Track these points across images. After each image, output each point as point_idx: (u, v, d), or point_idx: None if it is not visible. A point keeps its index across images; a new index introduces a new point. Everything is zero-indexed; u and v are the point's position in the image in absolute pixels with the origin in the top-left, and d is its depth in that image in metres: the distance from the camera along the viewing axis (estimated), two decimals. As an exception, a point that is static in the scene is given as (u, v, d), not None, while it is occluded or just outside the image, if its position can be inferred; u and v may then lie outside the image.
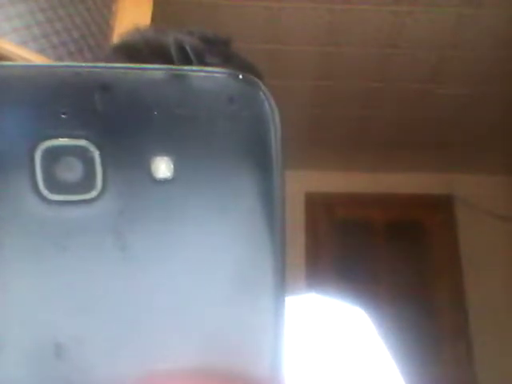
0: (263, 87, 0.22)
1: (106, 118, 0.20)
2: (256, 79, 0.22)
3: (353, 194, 2.76)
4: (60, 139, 0.20)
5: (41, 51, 1.09)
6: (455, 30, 1.86)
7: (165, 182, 0.21)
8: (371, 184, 2.75)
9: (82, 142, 0.20)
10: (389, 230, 2.78)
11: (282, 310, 0.21)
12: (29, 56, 1.06)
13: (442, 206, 2.79)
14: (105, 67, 0.21)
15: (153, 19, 1.30)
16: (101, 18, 1.24)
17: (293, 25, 1.86)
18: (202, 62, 0.41)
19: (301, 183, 2.70)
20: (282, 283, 0.21)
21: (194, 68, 0.21)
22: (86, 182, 0.20)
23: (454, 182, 2.79)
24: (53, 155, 0.20)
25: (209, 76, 0.21)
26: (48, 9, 1.13)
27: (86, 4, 1.22)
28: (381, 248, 2.75)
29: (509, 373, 2.42)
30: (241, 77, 0.21)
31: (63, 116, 0.20)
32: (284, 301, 0.22)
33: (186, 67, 0.21)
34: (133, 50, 0.42)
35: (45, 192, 0.20)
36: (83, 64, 0.21)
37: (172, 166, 0.21)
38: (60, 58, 1.12)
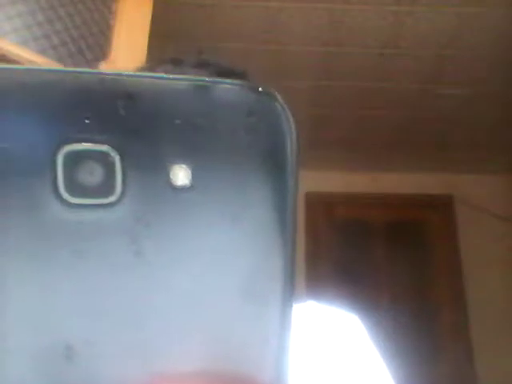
0: (281, 100, 0.22)
1: (128, 125, 0.21)
2: (274, 92, 0.22)
3: (353, 194, 2.76)
4: (82, 143, 0.21)
5: (41, 51, 1.09)
6: (455, 29, 1.86)
7: (183, 189, 0.21)
8: (371, 184, 2.75)
9: (104, 147, 0.21)
10: (389, 229, 2.78)
11: (289, 318, 0.22)
12: (29, 56, 1.06)
13: (442, 206, 2.79)
14: (129, 75, 0.21)
15: (153, 19, 1.30)
16: (101, 17, 1.24)
17: (293, 25, 1.86)
18: None
19: (301, 183, 2.67)
20: (291, 293, 0.22)
21: (216, 80, 0.22)
22: (106, 187, 0.21)
23: (454, 182, 2.79)
24: (74, 159, 0.21)
25: (229, 88, 0.22)
26: (48, 9, 1.13)
27: (86, 4, 1.22)
28: (381, 248, 2.75)
29: (509, 373, 2.42)
30: (260, 89, 0.22)
31: (86, 121, 0.21)
32: (291, 310, 0.22)
33: (207, 79, 0.22)
34: None
35: (65, 195, 0.21)
36: (108, 71, 0.22)
37: (190, 175, 0.21)
38: (60, 58, 1.13)
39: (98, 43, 1.22)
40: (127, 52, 1.23)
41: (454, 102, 2.28)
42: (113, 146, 0.21)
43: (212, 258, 0.21)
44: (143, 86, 0.21)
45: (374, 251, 2.75)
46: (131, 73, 0.22)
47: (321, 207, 2.79)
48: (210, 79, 0.22)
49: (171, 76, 0.22)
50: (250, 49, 1.98)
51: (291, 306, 0.22)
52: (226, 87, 0.22)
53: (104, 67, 1.18)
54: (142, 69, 0.43)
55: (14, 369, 0.20)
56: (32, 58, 1.06)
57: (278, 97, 0.22)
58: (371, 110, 2.37)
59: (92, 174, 0.21)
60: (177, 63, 0.45)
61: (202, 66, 0.45)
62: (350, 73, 2.11)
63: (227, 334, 0.21)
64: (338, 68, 2.08)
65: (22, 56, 1.04)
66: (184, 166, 0.21)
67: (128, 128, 0.21)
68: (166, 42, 1.90)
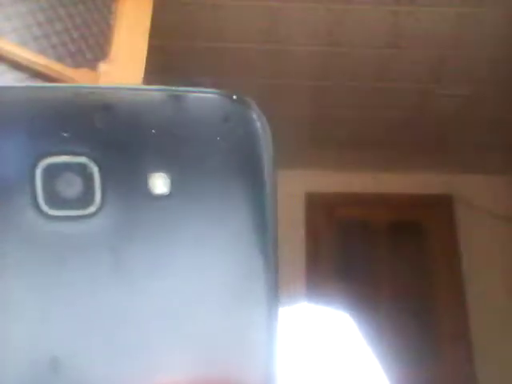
0: (255, 107, 0.22)
1: (105, 136, 0.21)
2: (249, 100, 0.22)
3: (353, 194, 2.76)
4: (61, 156, 0.21)
5: (41, 51, 1.09)
6: (455, 30, 1.86)
7: (162, 197, 0.21)
8: (371, 184, 2.75)
9: (82, 159, 0.21)
10: (389, 229, 2.78)
11: (275, 321, 0.22)
12: (29, 56, 1.06)
13: (441, 206, 2.79)
14: (104, 88, 0.22)
15: (153, 19, 1.30)
16: (101, 18, 1.24)
17: (293, 25, 1.86)
18: None
19: (301, 183, 2.70)
20: (275, 295, 0.22)
21: (190, 89, 0.22)
22: (85, 198, 0.21)
23: (454, 182, 2.79)
24: (53, 172, 0.21)
25: (204, 96, 0.22)
26: (48, 9, 1.13)
27: (86, 4, 1.22)
28: (381, 248, 2.75)
29: (509, 373, 2.42)
30: (235, 97, 0.22)
31: (64, 134, 0.21)
32: (277, 312, 0.22)
33: (182, 88, 0.22)
34: None
35: (45, 207, 0.21)
36: (84, 85, 0.22)
37: (169, 183, 0.21)
38: (60, 58, 1.12)
39: (98, 43, 1.22)
40: (127, 52, 1.23)
41: (454, 102, 2.28)
42: (91, 158, 0.21)
43: (194, 264, 0.21)
44: (119, 97, 0.22)
45: (374, 251, 2.75)
46: (106, 85, 0.22)
47: (321, 207, 2.79)
48: (184, 88, 0.22)
49: (146, 87, 0.22)
50: (250, 49, 1.98)
51: (277, 307, 0.22)
52: (201, 96, 0.22)
53: (104, 67, 1.18)
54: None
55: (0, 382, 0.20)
56: (32, 57, 1.06)
57: (253, 104, 0.23)
58: (371, 110, 2.37)
59: (71, 186, 0.21)
60: None
61: None
62: (350, 73, 2.11)
63: (213, 339, 0.21)
64: (338, 68, 2.08)
65: (21, 56, 1.04)
66: (162, 174, 0.21)
67: (105, 139, 0.21)
68: (165, 42, 1.90)
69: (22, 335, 0.20)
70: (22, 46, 1.06)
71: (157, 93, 0.22)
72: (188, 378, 0.21)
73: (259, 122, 0.22)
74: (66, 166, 0.21)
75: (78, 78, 1.11)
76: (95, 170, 0.21)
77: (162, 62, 1.91)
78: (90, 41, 1.20)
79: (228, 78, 2.08)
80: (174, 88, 0.22)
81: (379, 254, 2.74)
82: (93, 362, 0.21)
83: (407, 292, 2.69)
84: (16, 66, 1.04)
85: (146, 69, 1.22)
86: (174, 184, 0.21)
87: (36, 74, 1.05)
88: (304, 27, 1.87)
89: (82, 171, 0.21)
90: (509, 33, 1.86)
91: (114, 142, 0.21)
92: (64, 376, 0.20)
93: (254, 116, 0.22)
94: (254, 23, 1.85)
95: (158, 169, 0.21)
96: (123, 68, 1.19)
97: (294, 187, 2.59)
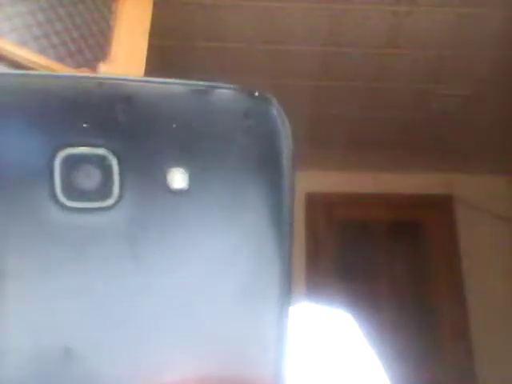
0: (276, 104, 0.22)
1: (125, 129, 0.21)
2: (270, 96, 0.22)
3: (353, 194, 2.76)
4: (80, 147, 0.21)
5: (41, 51, 1.09)
6: (455, 29, 1.86)
7: (180, 192, 0.21)
8: (371, 184, 2.75)
9: (101, 151, 0.21)
10: (389, 229, 2.78)
11: (287, 320, 0.22)
12: (29, 56, 1.06)
13: (441, 206, 2.79)
14: (127, 80, 0.22)
15: (153, 19, 1.30)
16: (101, 17, 1.24)
17: (293, 25, 1.86)
18: None
19: (301, 183, 2.69)
20: (288, 295, 0.22)
21: (212, 84, 0.22)
22: (104, 190, 0.21)
23: (454, 182, 2.79)
24: (72, 163, 0.21)
25: (226, 92, 0.22)
26: (48, 9, 1.13)
27: (86, 4, 1.22)
28: (381, 248, 2.75)
29: (509, 373, 2.42)
30: (256, 94, 0.22)
31: (84, 125, 0.21)
32: (289, 312, 0.22)
33: (204, 83, 0.22)
34: None
35: (62, 199, 0.21)
36: (106, 76, 0.22)
37: (187, 178, 0.21)
38: (60, 58, 1.13)
39: (98, 43, 1.22)
40: (127, 52, 1.23)
41: (454, 102, 2.28)
42: (110, 150, 0.21)
43: (209, 260, 0.21)
44: (141, 90, 0.21)
45: (373, 251, 2.75)
46: (129, 77, 0.22)
47: (321, 207, 2.79)
48: (207, 83, 0.22)
49: (168, 80, 0.22)
50: (250, 49, 1.98)
51: (288, 308, 0.22)
52: (223, 91, 0.22)
53: (104, 67, 1.18)
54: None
55: (12, 371, 0.20)
56: (32, 57, 1.06)
57: (274, 101, 0.22)
58: (371, 110, 2.37)
59: (89, 178, 0.21)
60: None
61: None
62: (350, 73, 2.11)
63: (225, 337, 0.21)
64: (338, 68, 2.08)
65: (21, 56, 1.04)
66: (181, 169, 0.21)
67: (126, 132, 0.21)
68: (165, 42, 1.90)
69: (37, 325, 0.20)
70: (21, 46, 1.06)
71: (179, 86, 0.22)
72: (200, 373, 0.21)
73: (279, 119, 0.22)
74: (85, 158, 0.21)
75: (78, 78, 1.10)
76: (114, 162, 0.21)
77: (162, 62, 1.91)
78: (90, 41, 1.20)
79: (228, 77, 2.08)
80: (196, 83, 0.22)
81: (379, 253, 2.74)
82: (107, 354, 0.21)
83: (407, 292, 2.69)
84: (16, 66, 1.04)
85: (145, 69, 1.22)
86: (192, 179, 0.21)
87: (36, 73, 1.05)
88: (304, 27, 1.87)
89: (101, 163, 0.21)
90: (509, 33, 1.86)
91: (134, 134, 0.21)
92: (77, 367, 0.20)
93: (275, 112, 0.22)
94: (254, 23, 1.85)
95: (177, 163, 0.21)
96: (123, 68, 1.19)
97: (293, 187, 2.58)
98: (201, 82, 0.22)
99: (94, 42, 1.21)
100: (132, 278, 0.21)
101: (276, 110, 0.22)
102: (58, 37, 1.14)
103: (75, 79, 0.21)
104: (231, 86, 0.22)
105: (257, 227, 0.22)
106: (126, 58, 1.22)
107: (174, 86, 0.22)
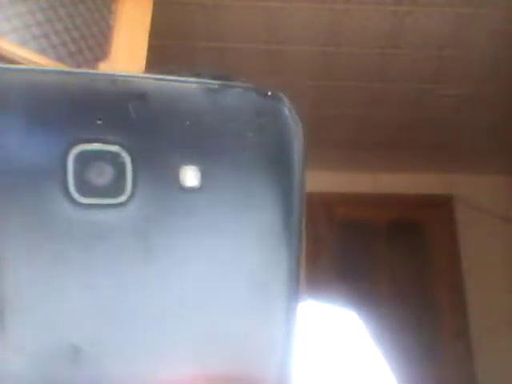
0: (288, 103, 0.23)
1: (139, 126, 0.21)
2: (282, 95, 0.23)
3: (353, 194, 2.76)
4: (93, 144, 0.21)
5: (41, 51, 1.09)
6: (455, 30, 1.86)
7: (192, 190, 0.21)
8: (371, 184, 2.75)
9: (115, 148, 0.21)
10: (389, 229, 2.78)
11: (295, 318, 0.22)
12: (29, 56, 1.06)
13: (441, 206, 2.79)
14: (141, 77, 0.22)
15: (153, 19, 1.30)
16: (101, 18, 1.24)
17: (293, 25, 1.86)
18: None
19: (301, 183, 2.70)
20: (296, 294, 0.22)
21: (226, 83, 0.22)
22: (116, 187, 0.21)
23: (453, 182, 2.79)
24: (85, 159, 0.21)
25: (239, 91, 0.22)
26: (48, 9, 1.13)
27: (86, 4, 1.22)
28: (381, 248, 2.75)
29: (509, 373, 2.42)
30: (269, 93, 0.23)
31: (98, 122, 0.21)
32: (297, 310, 0.22)
33: (218, 81, 0.22)
34: None
35: (75, 195, 0.21)
36: (120, 73, 0.22)
37: (200, 176, 0.21)
38: (60, 58, 1.12)
39: (98, 43, 1.22)
40: (127, 52, 1.23)
41: (454, 102, 2.28)
42: (123, 147, 0.21)
43: (219, 257, 0.22)
44: (155, 87, 0.22)
45: (374, 251, 2.75)
46: (143, 74, 0.22)
47: (321, 207, 2.79)
48: (220, 82, 0.22)
49: (182, 78, 0.22)
50: (250, 49, 1.98)
51: (296, 306, 0.22)
52: (236, 90, 0.22)
53: (104, 67, 1.18)
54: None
55: (19, 369, 0.20)
56: (32, 57, 1.06)
57: (286, 100, 0.23)
58: (371, 110, 2.37)
59: (102, 175, 0.21)
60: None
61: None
62: (350, 73, 2.11)
63: (234, 334, 0.21)
64: (338, 68, 2.08)
65: (21, 56, 1.04)
66: (193, 167, 0.21)
67: (139, 129, 0.21)
68: (165, 42, 1.90)
69: (46, 322, 0.20)
70: (21, 46, 1.06)
71: (193, 85, 0.22)
72: (208, 369, 0.21)
73: (291, 118, 0.22)
74: (99, 154, 0.21)
75: (78, 78, 1.10)
76: (127, 159, 0.21)
77: (162, 62, 1.91)
78: (90, 41, 1.20)
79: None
80: (209, 81, 0.22)
81: (379, 253, 2.74)
82: (115, 351, 0.21)
83: (407, 292, 2.69)
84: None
85: (145, 69, 1.22)
86: (204, 177, 0.21)
87: (36, 73, 1.05)
88: (304, 27, 1.87)
89: (114, 160, 0.21)
90: (509, 33, 1.86)
91: (148, 131, 0.21)
92: (84, 365, 0.20)
93: (287, 112, 0.22)
94: (253, 23, 1.85)
95: (189, 161, 0.21)
96: (123, 68, 1.19)
97: (293, 187, 2.58)
98: (214, 81, 0.22)
99: (94, 42, 1.21)
100: (143, 274, 0.21)
101: (288, 110, 0.23)
102: (57, 37, 1.14)
103: (89, 75, 0.22)
104: (244, 85, 0.22)
105: (267, 225, 0.22)
106: (126, 58, 1.22)
107: (187, 83, 0.22)
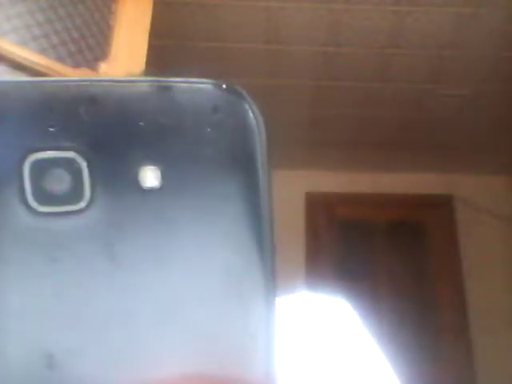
0: (247, 96, 0.22)
1: (93, 130, 0.21)
2: (240, 88, 0.22)
3: (353, 194, 2.76)
4: (48, 152, 0.21)
5: (41, 51, 1.09)
6: (455, 30, 1.86)
7: (152, 191, 0.21)
8: (371, 184, 2.75)
9: (70, 154, 0.21)
10: (389, 229, 2.78)
11: (273, 312, 0.22)
12: (29, 56, 1.06)
13: (442, 206, 2.79)
14: (92, 80, 0.21)
15: (153, 19, 1.30)
16: (101, 18, 1.24)
17: (293, 25, 1.86)
18: None
19: (301, 183, 2.70)
20: (273, 286, 0.22)
21: (178, 79, 0.22)
22: (75, 194, 0.21)
23: (453, 182, 2.79)
24: (41, 167, 0.21)
25: (193, 86, 0.22)
26: (48, 9, 1.13)
27: (86, 4, 1.22)
28: (381, 248, 2.75)
29: (509, 373, 2.42)
30: (224, 86, 0.22)
31: (51, 129, 0.21)
32: (275, 304, 0.22)
33: (170, 79, 0.22)
34: None
35: (34, 204, 0.20)
36: (71, 78, 0.22)
37: (159, 175, 0.21)
38: (60, 58, 1.12)
39: (98, 43, 1.22)
40: (127, 52, 1.23)
41: (454, 102, 2.28)
42: (79, 153, 0.21)
43: (188, 257, 0.21)
44: (105, 90, 0.21)
45: (373, 251, 2.75)
46: (92, 78, 0.22)
47: (321, 207, 2.79)
48: (172, 79, 0.22)
49: (133, 78, 0.22)
50: (250, 49, 1.98)
51: (274, 299, 0.22)
52: (189, 86, 0.22)
53: (104, 67, 1.18)
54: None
55: None
56: (32, 57, 1.06)
57: (245, 94, 0.22)
58: (371, 110, 2.37)
59: (59, 182, 0.21)
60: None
61: None
62: (350, 73, 2.11)
63: (211, 334, 0.21)
64: (338, 68, 2.08)
65: (21, 56, 1.04)
66: (152, 167, 0.21)
67: (93, 133, 0.21)
68: (166, 42, 1.90)
69: (16, 333, 0.20)
70: (21, 46, 1.06)
71: (144, 84, 0.22)
72: (187, 371, 0.21)
73: (251, 112, 0.22)
74: (54, 162, 0.21)
75: (78, 78, 1.10)
76: (83, 164, 0.21)
77: (162, 62, 1.91)
78: (90, 41, 1.20)
79: (228, 78, 2.08)
80: (161, 79, 0.22)
81: (379, 253, 2.74)
82: (89, 358, 0.20)
83: (407, 292, 2.69)
84: (16, 66, 1.04)
85: (145, 69, 1.22)
86: (164, 177, 0.21)
87: (36, 74, 1.05)
88: (304, 27, 1.87)
89: (70, 166, 0.21)
90: (509, 33, 1.86)
91: (102, 135, 0.21)
92: (60, 373, 0.20)
93: (246, 106, 0.22)
94: (254, 23, 1.85)
95: (147, 162, 0.21)
96: (123, 68, 1.19)
97: (294, 187, 2.58)
98: (167, 78, 0.22)
99: (94, 42, 1.21)
100: (109, 279, 0.21)
101: (247, 103, 0.22)
102: (57, 37, 1.13)
103: (37, 83, 0.21)
104: (199, 80, 0.22)
105: (234, 220, 0.21)
106: (126, 58, 1.22)
107: (138, 83, 0.22)
